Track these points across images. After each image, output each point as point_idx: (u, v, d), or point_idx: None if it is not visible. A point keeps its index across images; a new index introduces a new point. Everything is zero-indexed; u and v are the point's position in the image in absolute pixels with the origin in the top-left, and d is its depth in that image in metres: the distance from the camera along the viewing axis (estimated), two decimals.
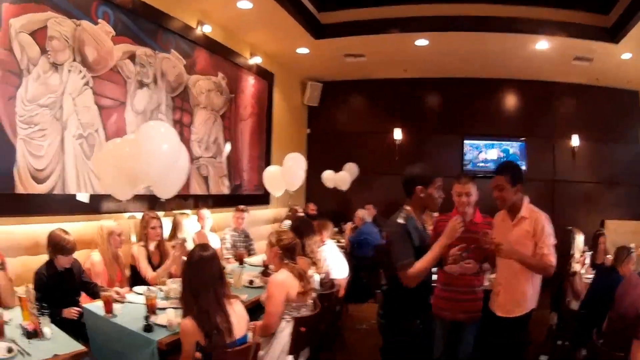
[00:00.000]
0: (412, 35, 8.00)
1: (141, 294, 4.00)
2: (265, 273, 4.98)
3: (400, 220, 3.32)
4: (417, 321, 3.39)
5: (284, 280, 3.67)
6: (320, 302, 3.97)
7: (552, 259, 3.48)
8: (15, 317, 3.21)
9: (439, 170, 3.56)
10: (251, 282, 4.91)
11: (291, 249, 3.87)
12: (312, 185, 8.46)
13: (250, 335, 3.24)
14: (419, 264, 3.24)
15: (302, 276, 3.76)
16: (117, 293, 4.01)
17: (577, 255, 5.15)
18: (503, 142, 10.25)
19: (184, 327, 2.82)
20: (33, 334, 2.93)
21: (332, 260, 5.42)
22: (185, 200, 6.69)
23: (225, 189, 8.08)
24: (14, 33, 4.38)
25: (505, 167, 3.85)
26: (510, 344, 3.64)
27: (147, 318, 3.31)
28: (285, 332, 3.57)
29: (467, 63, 9.27)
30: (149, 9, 5.99)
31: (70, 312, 3.83)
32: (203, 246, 3.09)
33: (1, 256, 3.59)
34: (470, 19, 7.43)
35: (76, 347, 2.90)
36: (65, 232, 4.06)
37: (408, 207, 3.42)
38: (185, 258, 3.49)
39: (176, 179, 4.24)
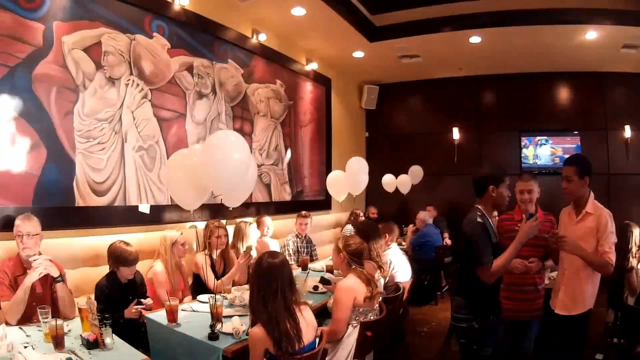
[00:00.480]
0: (465, 32, 7.60)
1: (205, 303, 3.89)
2: (324, 280, 4.74)
3: (479, 219, 3.28)
4: (493, 317, 3.38)
5: (351, 285, 3.51)
6: (385, 305, 3.79)
7: (612, 257, 3.37)
8: (75, 328, 3.13)
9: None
10: (316, 287, 4.70)
11: (358, 253, 3.70)
12: (372, 188, 8.11)
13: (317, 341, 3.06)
14: (499, 262, 3.22)
15: (369, 281, 3.59)
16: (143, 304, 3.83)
17: (634, 250, 4.82)
18: (557, 138, 9.65)
19: (253, 335, 2.68)
20: (94, 345, 2.82)
21: (396, 263, 5.15)
22: (247, 208, 6.44)
23: (287, 196, 7.82)
24: (67, 50, 4.29)
25: (575, 159, 3.75)
26: (568, 342, 3.56)
27: (212, 326, 3.18)
28: (351, 338, 3.42)
29: (519, 58, 8.75)
30: (203, 20, 5.82)
31: (131, 311, 3.73)
32: (272, 253, 2.94)
33: (61, 268, 3.45)
34: (521, 12, 7.05)
35: (139, 356, 2.78)
36: (127, 243, 3.95)
37: (480, 206, 3.38)
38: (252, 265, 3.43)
39: (246, 188, 4.07)
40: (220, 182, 3.58)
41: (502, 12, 7.12)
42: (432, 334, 6.11)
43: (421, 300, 7.31)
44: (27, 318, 3.26)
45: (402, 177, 9.43)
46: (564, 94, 9.71)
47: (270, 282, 2.74)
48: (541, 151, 9.66)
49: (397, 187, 9.48)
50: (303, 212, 6.76)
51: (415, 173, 9.64)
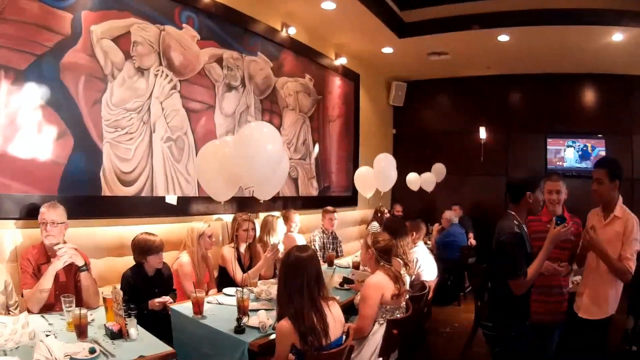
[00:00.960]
0: (494, 31, 7.27)
1: (231, 296, 3.76)
2: (347, 280, 4.57)
3: (517, 229, 3.09)
4: (528, 323, 3.21)
5: (379, 282, 3.39)
6: (411, 304, 3.65)
7: (632, 264, 3.26)
8: (98, 318, 3.01)
9: (524, 170, 3.10)
10: (342, 284, 4.51)
11: (387, 250, 3.57)
12: (397, 186, 7.80)
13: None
14: (531, 271, 3.03)
15: (397, 278, 3.45)
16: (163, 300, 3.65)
17: None
18: (582, 140, 9.19)
19: (280, 328, 2.59)
20: (118, 335, 2.70)
21: (423, 262, 4.94)
22: (274, 202, 6.18)
23: (313, 191, 7.57)
24: (95, 39, 4.13)
25: (606, 161, 3.69)
26: (589, 346, 3.45)
27: (239, 320, 3.05)
28: (377, 335, 3.28)
29: (546, 58, 8.37)
30: (233, 12, 5.60)
31: (155, 303, 3.57)
32: (301, 247, 2.83)
33: (85, 257, 3.33)
34: (549, 12, 6.73)
35: (163, 348, 2.64)
36: (149, 233, 3.79)
37: (514, 213, 3.19)
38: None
39: (278, 181, 3.95)
40: (252, 174, 3.44)
41: (530, 11, 6.83)
42: (454, 335, 5.86)
43: (444, 300, 7.01)
44: (49, 306, 3.14)
45: (426, 174, 9.08)
46: (589, 96, 9.28)
47: (298, 276, 2.64)
48: (564, 154, 9.28)
49: (420, 186, 9.11)
50: (330, 208, 6.52)
51: (439, 171, 9.27)
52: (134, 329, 2.75)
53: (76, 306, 2.87)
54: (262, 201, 3.80)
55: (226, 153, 3.54)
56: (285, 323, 2.56)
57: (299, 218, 5.94)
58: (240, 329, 3.01)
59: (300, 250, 2.74)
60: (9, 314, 3.05)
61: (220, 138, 5.02)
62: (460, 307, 7.17)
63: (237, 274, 4.39)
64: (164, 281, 3.85)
